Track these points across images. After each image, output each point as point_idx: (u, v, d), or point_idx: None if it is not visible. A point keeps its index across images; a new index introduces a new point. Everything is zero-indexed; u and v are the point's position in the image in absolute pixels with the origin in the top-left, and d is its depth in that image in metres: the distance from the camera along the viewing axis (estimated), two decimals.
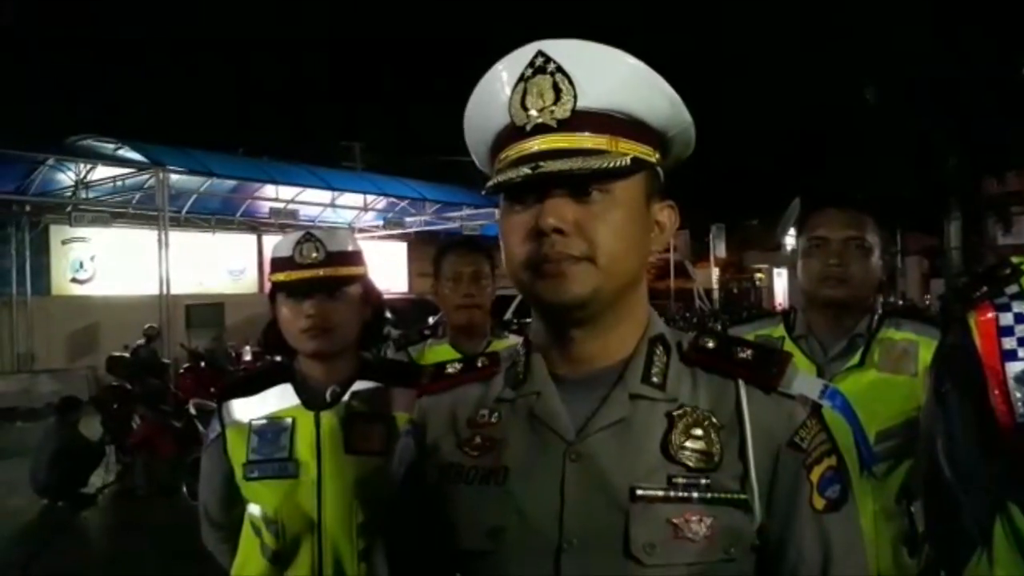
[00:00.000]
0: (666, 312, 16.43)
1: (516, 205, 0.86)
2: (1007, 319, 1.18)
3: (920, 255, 19.98)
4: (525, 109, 0.84)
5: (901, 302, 15.81)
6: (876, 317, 1.83)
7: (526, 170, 0.82)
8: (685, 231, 21.60)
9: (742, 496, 0.84)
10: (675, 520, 0.82)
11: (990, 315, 1.19)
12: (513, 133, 0.86)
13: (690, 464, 0.84)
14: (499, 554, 0.86)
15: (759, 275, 26.22)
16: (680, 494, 0.83)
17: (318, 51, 31.59)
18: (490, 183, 0.86)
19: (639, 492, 0.83)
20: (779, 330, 1.94)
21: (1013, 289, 1.21)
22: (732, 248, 25.04)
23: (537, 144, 0.84)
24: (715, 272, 24.19)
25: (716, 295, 23.69)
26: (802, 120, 16.43)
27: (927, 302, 15.83)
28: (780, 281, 24.51)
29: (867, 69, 14.51)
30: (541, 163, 0.82)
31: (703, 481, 0.83)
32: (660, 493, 0.83)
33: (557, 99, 0.83)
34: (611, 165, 0.82)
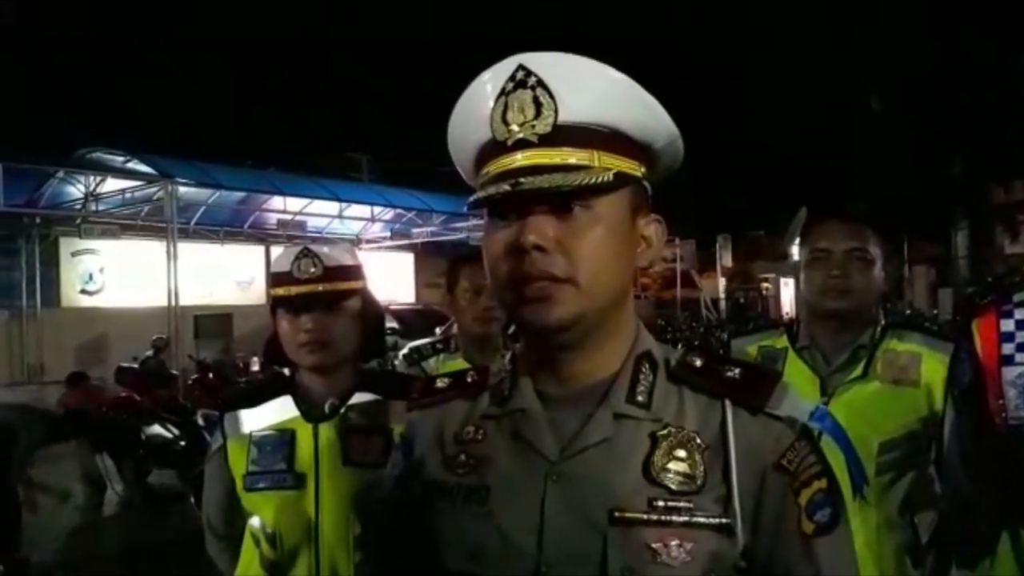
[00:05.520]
0: (673, 321, 16.40)
1: (499, 221, 0.85)
2: (1008, 325, 1.20)
3: (927, 264, 19.88)
4: (506, 124, 0.83)
5: (909, 311, 15.73)
6: (879, 328, 1.83)
7: (506, 186, 0.81)
8: (691, 241, 21.58)
9: (724, 520, 0.82)
10: (654, 544, 0.80)
11: (992, 321, 1.20)
12: (495, 148, 0.85)
13: (672, 486, 0.82)
14: (479, 575, 0.85)
15: (766, 284, 26.13)
16: (660, 517, 0.81)
17: (325, 62, 31.79)
18: (471, 198, 0.85)
19: (618, 515, 0.81)
20: (782, 341, 1.94)
21: (1020, 297, 1.22)
22: (739, 258, 24.98)
23: (518, 160, 0.82)
24: (722, 282, 24.13)
25: (723, 304, 23.63)
26: (809, 129, 16.41)
27: (935, 312, 15.74)
28: (787, 291, 24.38)
29: (871, 75, 14.50)
30: (522, 179, 0.80)
31: (684, 504, 0.81)
32: (640, 516, 0.81)
33: (538, 114, 0.82)
34: (592, 181, 0.80)
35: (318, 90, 31.85)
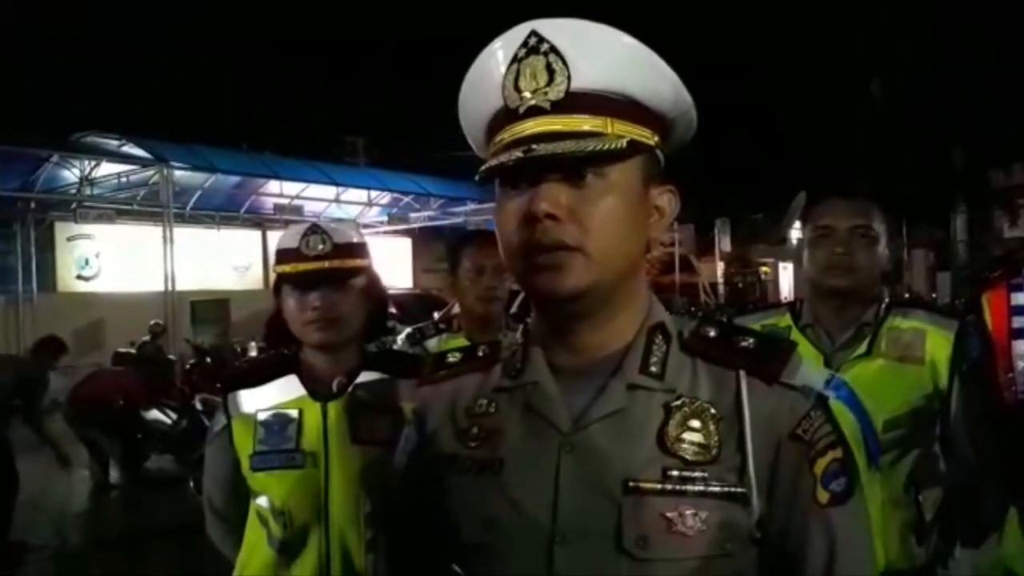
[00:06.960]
0: (671, 306, 16.42)
1: (510, 190, 0.83)
2: (1019, 299, 1.20)
3: (926, 248, 19.91)
4: (518, 91, 0.82)
5: (907, 295, 15.79)
6: (883, 306, 1.82)
7: (518, 153, 0.79)
8: (690, 225, 21.56)
9: (739, 490, 0.81)
10: (669, 514, 0.80)
11: (1003, 295, 1.20)
12: (507, 116, 0.83)
13: (687, 456, 0.82)
14: (494, 546, 0.85)
15: (764, 269, 26.17)
16: (674, 487, 0.80)
17: (320, 46, 31.60)
18: (483, 168, 0.84)
19: (632, 485, 0.81)
20: (786, 319, 1.94)
21: None
22: (737, 242, 24.97)
23: (531, 127, 0.81)
24: (720, 266, 24.16)
25: (721, 289, 23.66)
26: (807, 116, 16.41)
27: (934, 296, 15.78)
28: (786, 275, 24.46)
29: (872, 66, 14.50)
30: (534, 146, 0.79)
31: (699, 474, 0.81)
32: (654, 486, 0.80)
33: (551, 80, 0.80)
34: (606, 147, 0.79)
35: (314, 74, 31.68)
